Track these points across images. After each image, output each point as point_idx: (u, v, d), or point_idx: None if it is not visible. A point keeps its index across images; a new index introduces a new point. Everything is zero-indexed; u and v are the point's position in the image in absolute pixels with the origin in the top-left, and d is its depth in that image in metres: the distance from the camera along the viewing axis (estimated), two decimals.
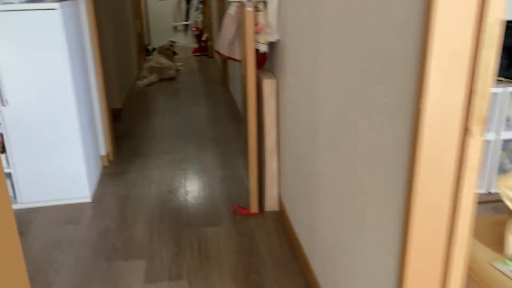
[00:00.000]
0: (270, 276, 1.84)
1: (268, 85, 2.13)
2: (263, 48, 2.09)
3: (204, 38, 6.92)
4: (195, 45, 7.37)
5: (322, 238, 1.60)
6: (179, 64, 5.95)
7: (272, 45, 2.17)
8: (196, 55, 7.04)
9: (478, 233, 1.11)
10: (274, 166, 2.29)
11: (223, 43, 2.86)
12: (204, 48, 6.99)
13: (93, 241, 2.12)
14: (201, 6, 7.21)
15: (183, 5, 7.88)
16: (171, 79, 5.43)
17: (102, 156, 2.91)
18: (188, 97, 4.67)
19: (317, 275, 1.69)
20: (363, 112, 1.14)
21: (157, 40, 7.57)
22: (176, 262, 1.94)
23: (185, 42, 8.13)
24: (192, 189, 2.62)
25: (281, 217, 2.28)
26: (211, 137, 3.48)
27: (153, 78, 5.25)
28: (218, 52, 3.02)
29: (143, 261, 1.95)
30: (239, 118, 3.85)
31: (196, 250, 2.03)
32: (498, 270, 0.99)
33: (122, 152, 3.21)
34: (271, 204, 2.35)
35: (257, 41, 2.08)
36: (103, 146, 2.92)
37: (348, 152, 1.27)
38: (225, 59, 4.89)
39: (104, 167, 2.93)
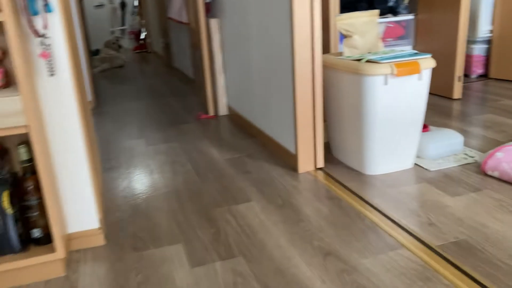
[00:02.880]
0: (229, 138, 2.88)
1: (214, 22, 3.19)
2: None
3: (142, 36, 7.84)
4: (133, 45, 8.26)
5: (258, 104, 2.67)
6: (124, 56, 6.84)
7: None
8: (136, 52, 7.94)
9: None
10: (222, 82, 3.34)
11: (174, 11, 3.89)
12: (143, 46, 7.91)
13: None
14: (136, 9, 8.14)
15: (119, 12, 8.75)
16: (121, 67, 6.32)
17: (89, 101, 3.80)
18: (141, 75, 5.60)
19: (258, 125, 2.76)
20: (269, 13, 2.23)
21: (96, 45, 8.35)
22: (166, 140, 2.92)
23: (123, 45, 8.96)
24: (163, 114, 3.60)
25: (231, 116, 3.33)
26: (169, 92, 4.46)
27: (105, 65, 6.11)
28: (170, 18, 4.05)
29: (143, 139, 2.91)
30: (189, 81, 4.86)
31: (179, 131, 3.02)
32: (340, 58, 2.12)
33: (100, 102, 4.10)
34: (222, 110, 3.39)
35: None
36: (89, 93, 3.81)
37: (267, 48, 2.35)
38: (167, 47, 5.88)
39: (91, 109, 3.81)
